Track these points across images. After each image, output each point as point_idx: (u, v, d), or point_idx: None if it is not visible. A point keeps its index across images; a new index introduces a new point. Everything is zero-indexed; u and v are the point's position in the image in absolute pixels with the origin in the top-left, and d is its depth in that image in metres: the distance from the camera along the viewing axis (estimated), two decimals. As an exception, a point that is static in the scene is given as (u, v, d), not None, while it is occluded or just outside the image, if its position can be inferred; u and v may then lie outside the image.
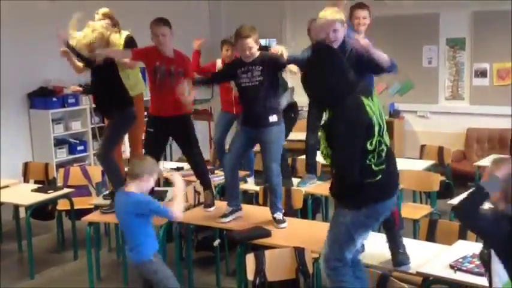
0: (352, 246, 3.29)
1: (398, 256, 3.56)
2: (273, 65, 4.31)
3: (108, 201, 4.90)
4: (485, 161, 5.64)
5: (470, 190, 2.66)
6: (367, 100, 3.17)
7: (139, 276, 3.85)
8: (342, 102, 3.13)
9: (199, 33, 9.18)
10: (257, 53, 4.34)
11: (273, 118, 4.35)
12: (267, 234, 4.13)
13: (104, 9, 5.16)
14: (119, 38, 4.88)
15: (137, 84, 5.33)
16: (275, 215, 4.36)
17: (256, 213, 4.58)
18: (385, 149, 3.20)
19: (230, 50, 5.94)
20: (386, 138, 3.23)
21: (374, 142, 3.14)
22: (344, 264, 3.29)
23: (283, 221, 4.32)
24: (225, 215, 4.46)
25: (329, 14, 4.08)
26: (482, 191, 2.58)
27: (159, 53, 4.64)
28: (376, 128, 3.14)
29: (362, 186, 3.18)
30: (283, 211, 4.43)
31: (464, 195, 2.71)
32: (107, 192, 5.20)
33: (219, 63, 6.25)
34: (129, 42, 5.10)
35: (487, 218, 2.59)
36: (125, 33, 5.17)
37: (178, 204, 3.66)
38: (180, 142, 4.89)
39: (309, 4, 8.30)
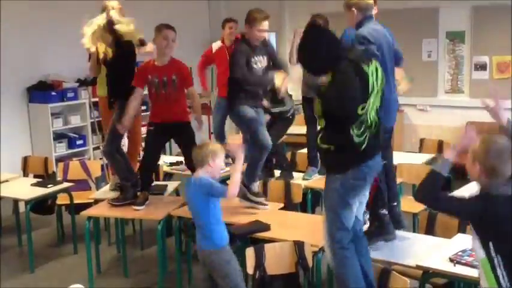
0: (349, 211, 3.35)
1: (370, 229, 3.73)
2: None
3: (114, 193, 4.95)
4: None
5: (427, 175, 2.74)
6: (367, 67, 3.25)
7: (205, 267, 3.76)
8: (336, 68, 3.25)
9: (199, 31, 9.19)
10: None
11: None
12: (266, 228, 4.14)
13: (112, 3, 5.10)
14: (126, 27, 4.86)
15: None
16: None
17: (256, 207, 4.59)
18: (369, 121, 3.26)
19: (234, 28, 6.02)
20: (374, 112, 3.28)
21: (365, 108, 3.22)
22: (347, 232, 3.35)
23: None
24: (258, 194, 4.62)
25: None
26: (436, 174, 2.70)
27: (151, 66, 4.70)
28: (372, 96, 3.23)
29: (345, 153, 3.30)
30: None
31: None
32: (115, 184, 5.18)
33: (215, 46, 6.23)
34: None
35: (453, 199, 2.73)
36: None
37: (233, 184, 3.63)
38: (181, 146, 4.90)
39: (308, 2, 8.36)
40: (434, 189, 2.70)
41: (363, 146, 3.27)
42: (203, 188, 3.60)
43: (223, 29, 6.26)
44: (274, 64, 4.71)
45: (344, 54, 3.34)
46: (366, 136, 3.27)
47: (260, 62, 4.58)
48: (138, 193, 4.76)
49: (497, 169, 2.58)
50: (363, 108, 3.22)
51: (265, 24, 4.53)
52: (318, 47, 3.34)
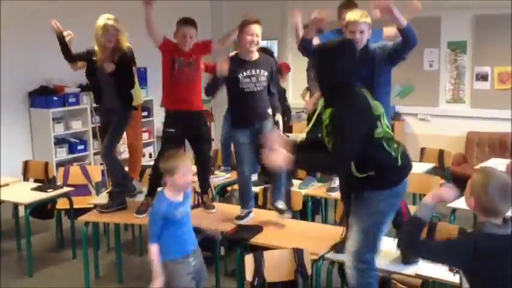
0: (383, 232, 3.32)
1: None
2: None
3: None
4: (486, 165, 5.62)
5: (407, 222, 2.69)
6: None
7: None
8: (348, 92, 3.20)
9: (200, 33, 9.19)
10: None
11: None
12: (259, 229, 4.25)
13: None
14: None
15: (137, 95, 5.31)
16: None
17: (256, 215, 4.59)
18: (394, 139, 3.25)
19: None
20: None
21: (380, 131, 3.18)
22: (377, 253, 3.31)
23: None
24: (240, 217, 4.50)
25: (358, 15, 3.89)
26: (417, 221, 2.61)
27: (178, 48, 4.63)
28: (382, 119, 3.21)
29: (387, 172, 3.24)
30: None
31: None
32: (106, 191, 5.20)
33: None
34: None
35: (439, 243, 2.67)
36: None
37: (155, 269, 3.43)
38: (193, 139, 4.81)
39: (310, 5, 8.36)
40: (414, 237, 2.57)
41: (399, 163, 3.23)
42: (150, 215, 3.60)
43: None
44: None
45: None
46: (400, 151, 3.24)
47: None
48: (143, 199, 4.73)
49: (495, 207, 2.40)
50: (379, 133, 3.18)
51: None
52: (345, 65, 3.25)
